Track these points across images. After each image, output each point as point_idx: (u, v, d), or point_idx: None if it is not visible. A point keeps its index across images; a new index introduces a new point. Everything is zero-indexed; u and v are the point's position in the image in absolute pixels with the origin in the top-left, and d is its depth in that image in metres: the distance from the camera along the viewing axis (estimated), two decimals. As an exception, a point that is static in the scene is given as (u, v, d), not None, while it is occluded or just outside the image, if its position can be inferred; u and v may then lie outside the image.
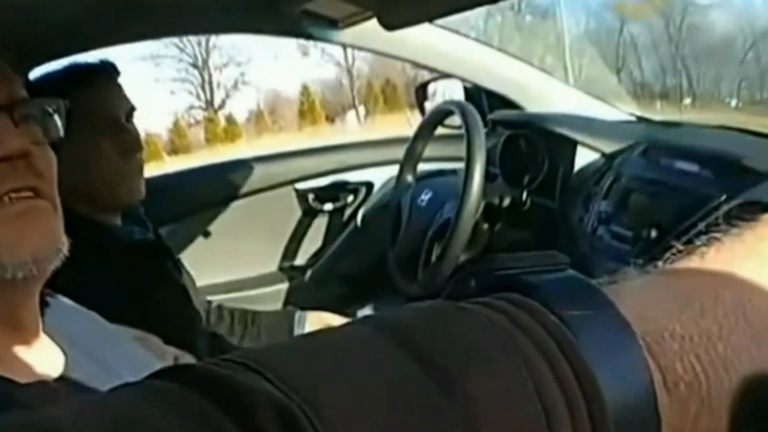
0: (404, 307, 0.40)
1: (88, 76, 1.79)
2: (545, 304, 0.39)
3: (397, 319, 0.38)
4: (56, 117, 0.99)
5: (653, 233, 1.70)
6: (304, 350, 0.37)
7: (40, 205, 0.91)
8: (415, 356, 0.35)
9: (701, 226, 1.56)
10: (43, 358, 0.93)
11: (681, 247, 0.46)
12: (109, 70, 1.83)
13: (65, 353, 0.97)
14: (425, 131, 2.39)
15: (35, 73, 1.86)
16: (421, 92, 2.80)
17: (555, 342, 0.36)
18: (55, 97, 1.00)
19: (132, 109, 1.84)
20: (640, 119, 2.41)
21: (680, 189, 1.72)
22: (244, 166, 2.86)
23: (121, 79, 1.86)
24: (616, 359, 0.37)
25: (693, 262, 0.44)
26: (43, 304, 1.00)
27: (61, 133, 1.00)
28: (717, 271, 0.43)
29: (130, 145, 1.80)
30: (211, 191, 2.83)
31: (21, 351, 0.91)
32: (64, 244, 0.93)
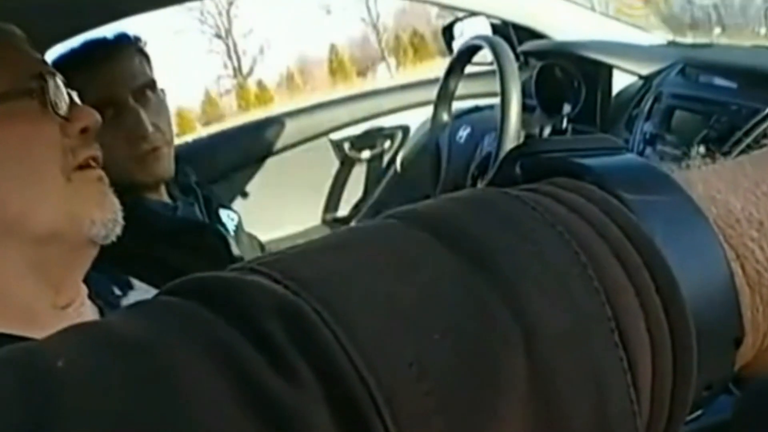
0: (439, 197, 0.35)
1: (82, 59, 1.71)
2: (602, 188, 0.34)
3: (428, 207, 0.34)
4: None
5: (701, 149, 1.66)
6: (317, 247, 0.32)
7: (104, 174, 0.99)
8: (449, 242, 0.30)
9: (749, 139, 1.53)
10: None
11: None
12: (112, 46, 1.75)
13: None
14: (456, 68, 2.34)
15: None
16: (448, 33, 2.77)
17: (616, 225, 0.32)
18: None
19: (147, 83, 1.77)
20: (672, 43, 2.37)
21: (722, 104, 1.69)
22: (276, 122, 2.83)
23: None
24: (688, 246, 0.32)
25: (765, 152, 0.39)
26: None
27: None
28: None
29: (135, 128, 1.70)
30: (245, 151, 2.80)
31: (61, 315, 0.91)
32: None
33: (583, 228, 0.31)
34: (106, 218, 0.94)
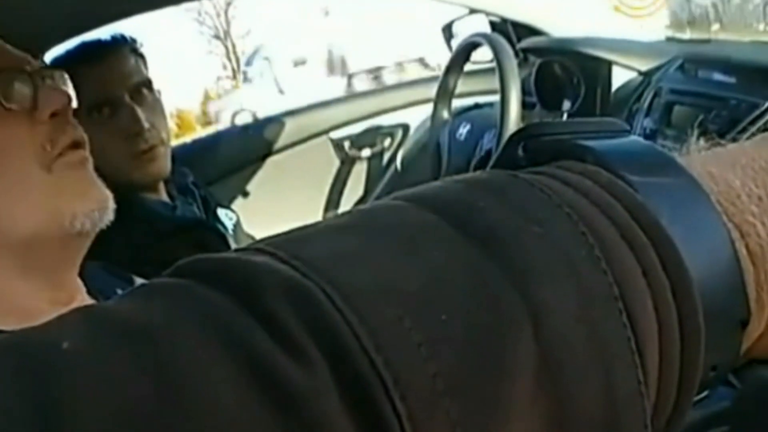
0: (446, 179, 0.35)
1: (78, 59, 1.72)
2: (607, 169, 0.34)
3: (436, 189, 0.34)
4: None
5: (701, 144, 1.65)
6: (325, 227, 0.32)
7: (88, 155, 0.94)
8: (457, 224, 0.30)
9: (750, 132, 1.53)
10: None
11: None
12: (107, 46, 1.76)
13: None
14: (455, 65, 2.35)
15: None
16: (448, 31, 2.76)
17: (623, 206, 0.32)
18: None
19: (143, 82, 1.78)
20: (670, 39, 2.37)
21: (721, 99, 1.69)
22: (275, 121, 2.83)
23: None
24: (693, 226, 0.33)
25: (765, 136, 0.39)
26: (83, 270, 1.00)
27: (75, 101, 1.00)
28: None
29: (131, 125, 1.72)
30: (246, 150, 2.79)
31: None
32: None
33: (590, 210, 0.31)
34: (89, 209, 0.90)
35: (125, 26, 1.96)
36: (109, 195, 0.94)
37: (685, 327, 0.31)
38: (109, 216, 0.92)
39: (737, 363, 0.35)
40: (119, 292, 1.06)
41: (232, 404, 0.25)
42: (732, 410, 0.87)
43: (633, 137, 0.38)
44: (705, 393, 0.34)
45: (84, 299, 0.95)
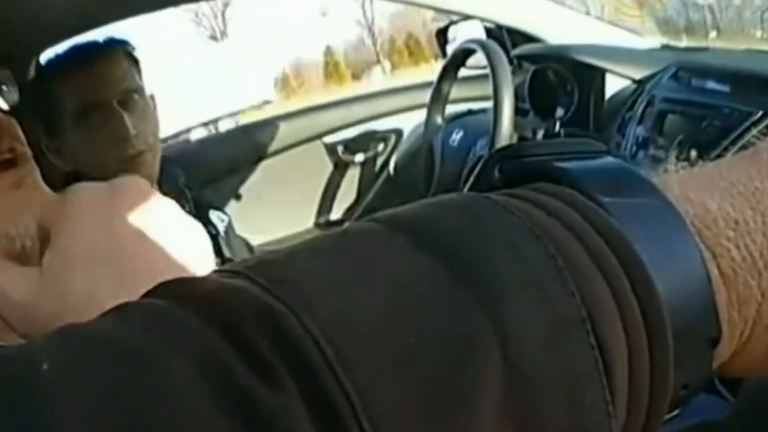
0: (421, 202, 0.35)
1: (71, 62, 1.72)
2: (581, 192, 0.34)
3: (410, 212, 0.34)
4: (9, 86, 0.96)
5: (693, 153, 1.66)
6: (302, 250, 0.33)
7: (27, 170, 0.84)
8: (430, 247, 0.31)
9: (742, 142, 1.53)
10: None
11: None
12: (100, 49, 1.76)
13: None
14: (449, 72, 2.35)
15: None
16: (442, 36, 2.77)
17: (594, 229, 0.32)
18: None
19: (134, 88, 1.76)
20: (666, 47, 2.37)
21: (715, 108, 1.69)
22: (269, 125, 2.83)
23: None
24: (665, 247, 0.33)
25: (745, 155, 0.39)
26: None
27: (16, 97, 0.96)
28: None
29: (118, 132, 1.70)
30: (239, 154, 2.79)
31: None
32: None
33: (561, 232, 0.32)
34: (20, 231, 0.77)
35: (122, 28, 1.96)
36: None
37: (655, 347, 0.31)
38: None
39: (708, 381, 0.35)
40: None
41: (209, 427, 0.25)
42: (732, 419, 0.88)
43: (609, 158, 0.38)
44: (676, 411, 0.34)
45: None
